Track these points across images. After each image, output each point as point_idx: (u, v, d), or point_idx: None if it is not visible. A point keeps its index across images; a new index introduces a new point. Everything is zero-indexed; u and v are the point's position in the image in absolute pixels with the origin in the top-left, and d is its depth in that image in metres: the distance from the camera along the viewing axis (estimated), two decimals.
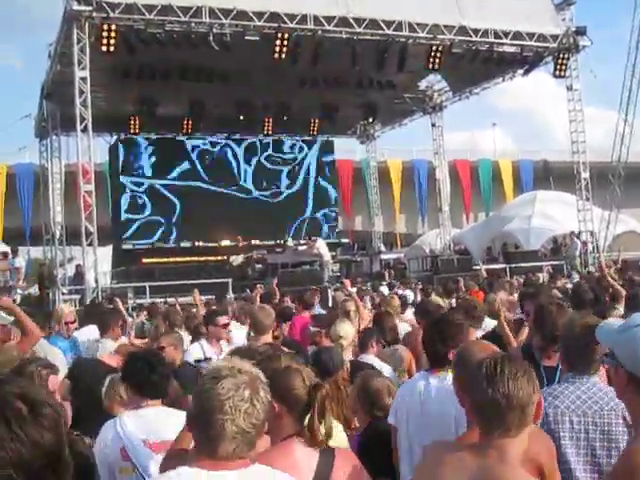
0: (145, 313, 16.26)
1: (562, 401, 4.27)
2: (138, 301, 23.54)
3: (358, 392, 5.63)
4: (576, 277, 23.52)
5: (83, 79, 24.40)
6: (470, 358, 3.80)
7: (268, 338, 8.05)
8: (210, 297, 20.51)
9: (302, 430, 3.74)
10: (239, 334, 9.92)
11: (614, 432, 4.22)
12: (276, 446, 3.73)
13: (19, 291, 28.41)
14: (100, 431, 5.12)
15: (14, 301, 26.60)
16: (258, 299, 17.62)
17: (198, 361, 8.16)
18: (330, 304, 16.71)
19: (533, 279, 20.64)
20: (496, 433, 3.08)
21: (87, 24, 24.07)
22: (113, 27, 24.10)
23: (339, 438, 4.54)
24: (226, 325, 9.18)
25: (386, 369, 7.53)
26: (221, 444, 2.82)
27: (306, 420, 3.75)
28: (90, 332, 11.47)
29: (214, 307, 13.75)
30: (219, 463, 2.83)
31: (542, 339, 5.66)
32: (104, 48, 24.34)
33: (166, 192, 35.67)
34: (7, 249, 29.67)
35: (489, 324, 9.04)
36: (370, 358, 7.82)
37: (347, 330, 7.85)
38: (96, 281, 24.95)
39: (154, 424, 5.04)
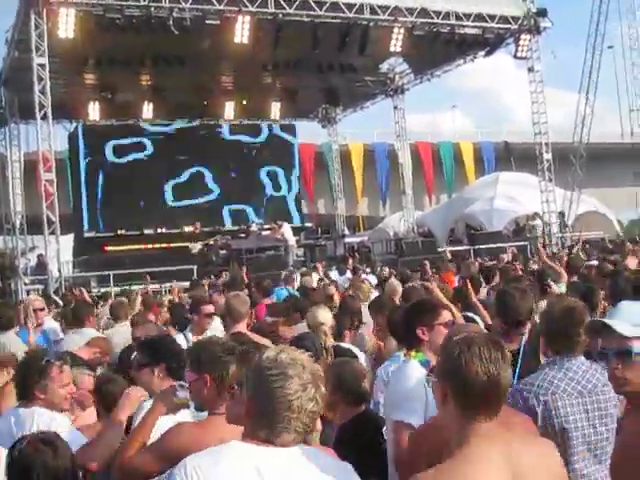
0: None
1: (558, 386, 4.25)
2: (102, 290, 23.31)
3: (334, 381, 5.49)
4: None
5: (41, 66, 24.07)
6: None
7: (243, 326, 7.93)
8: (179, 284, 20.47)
9: None
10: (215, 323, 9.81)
11: (610, 407, 4.32)
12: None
13: None
14: None
15: None
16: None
17: None
18: (296, 288, 16.50)
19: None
20: (481, 418, 3.00)
21: (45, 9, 23.71)
22: (72, 12, 23.77)
23: None
24: (211, 315, 8.87)
25: (361, 356, 7.47)
26: (283, 436, 2.93)
27: None
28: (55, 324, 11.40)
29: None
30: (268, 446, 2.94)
31: (505, 323, 5.69)
32: (62, 34, 24.05)
33: (126, 177, 35.22)
34: None
35: None
36: (347, 344, 7.76)
37: (326, 316, 7.76)
38: (59, 270, 24.68)
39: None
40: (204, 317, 8.66)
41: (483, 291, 11.49)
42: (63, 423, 4.97)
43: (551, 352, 4.62)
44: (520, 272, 13.97)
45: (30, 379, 5.18)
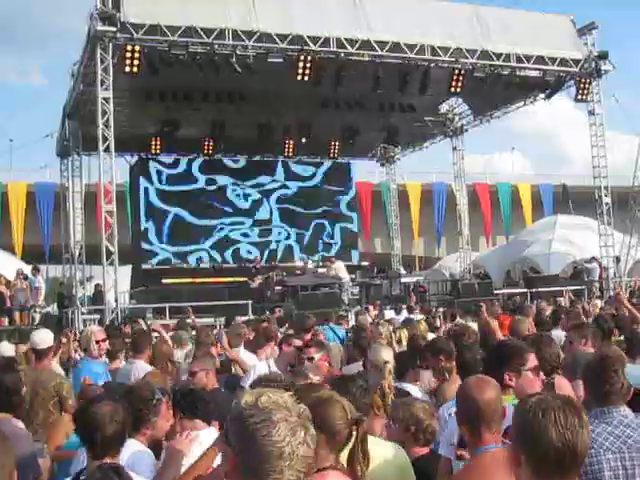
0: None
1: (595, 440, 4.16)
2: (159, 322, 23.45)
3: (406, 420, 5.51)
4: (598, 302, 23.30)
5: (106, 99, 24.47)
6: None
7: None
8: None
9: (337, 463, 3.66)
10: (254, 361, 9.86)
11: None
12: (312, 477, 3.64)
13: (38, 310, 28.38)
14: None
15: (33, 319, 26.88)
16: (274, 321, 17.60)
17: None
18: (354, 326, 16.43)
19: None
20: None
21: (111, 45, 24.17)
22: (137, 48, 24.19)
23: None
24: (301, 348, 8.85)
25: (421, 397, 7.44)
26: None
27: (343, 454, 3.68)
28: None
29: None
30: None
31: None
32: (127, 69, 24.43)
33: (185, 212, 35.60)
34: (28, 269, 29.72)
35: None
36: (408, 386, 7.71)
37: (390, 355, 7.74)
38: (116, 301, 24.90)
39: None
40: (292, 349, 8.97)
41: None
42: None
43: (591, 403, 4.56)
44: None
45: (143, 416, 5.26)
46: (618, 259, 31.94)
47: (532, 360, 5.25)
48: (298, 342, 8.90)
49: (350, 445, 3.67)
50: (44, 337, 8.70)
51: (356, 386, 5.19)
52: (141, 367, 9.08)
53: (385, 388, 6.78)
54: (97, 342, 9.49)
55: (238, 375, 9.63)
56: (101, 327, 12.28)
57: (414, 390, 7.65)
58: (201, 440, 5.11)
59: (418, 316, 19.41)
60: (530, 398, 3.15)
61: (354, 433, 3.68)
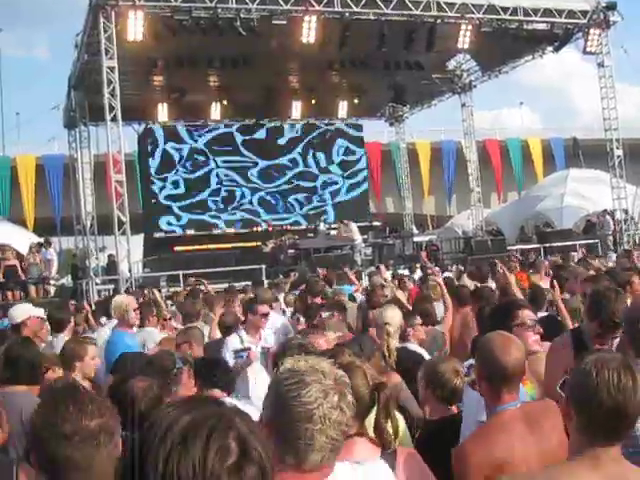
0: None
1: None
2: (172, 289, 23.48)
3: (426, 379, 5.44)
4: (612, 256, 23.21)
5: (111, 68, 24.30)
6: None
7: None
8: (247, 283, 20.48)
9: (363, 430, 3.59)
10: (278, 319, 9.78)
11: None
12: None
13: (52, 283, 28.42)
14: None
15: (47, 292, 26.89)
16: (288, 286, 17.53)
17: (237, 351, 7.95)
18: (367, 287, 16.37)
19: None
20: (599, 443, 2.96)
21: (113, 12, 23.96)
22: (140, 15, 24.01)
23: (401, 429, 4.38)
24: (266, 315, 8.86)
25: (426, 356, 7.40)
26: (309, 455, 2.58)
27: (369, 420, 3.60)
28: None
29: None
30: (304, 476, 2.61)
31: (599, 326, 5.42)
32: (131, 37, 24.30)
33: (196, 177, 35.63)
34: (40, 241, 29.71)
35: None
36: (412, 345, 7.65)
37: (392, 315, 7.65)
38: (129, 271, 24.93)
39: None
40: (258, 316, 8.60)
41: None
42: None
43: (634, 353, 4.45)
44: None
45: (165, 386, 5.19)
46: (626, 211, 31.74)
47: (524, 317, 5.20)
48: (263, 309, 8.73)
49: (374, 411, 3.59)
50: (17, 311, 8.67)
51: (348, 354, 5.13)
52: (149, 334, 9.09)
53: (384, 350, 6.74)
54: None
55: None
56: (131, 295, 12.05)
57: (421, 351, 7.61)
58: None
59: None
60: (590, 355, 3.12)
61: (376, 398, 3.61)
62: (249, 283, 20.41)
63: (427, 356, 7.35)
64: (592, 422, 2.95)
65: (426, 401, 5.42)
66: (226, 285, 23.01)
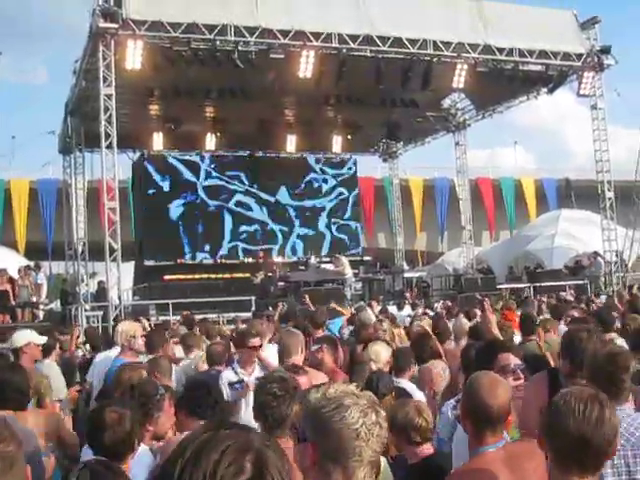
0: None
1: None
2: (161, 318, 23.50)
3: (389, 427, 5.47)
4: (603, 297, 23.31)
5: (108, 96, 24.42)
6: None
7: (298, 361, 7.91)
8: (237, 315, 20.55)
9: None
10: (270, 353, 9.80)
11: None
12: None
13: (41, 307, 28.38)
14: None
15: (35, 317, 26.86)
16: (277, 317, 17.55)
17: (232, 383, 8.04)
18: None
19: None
20: (573, 474, 3.01)
21: (113, 41, 24.13)
22: (139, 45, 24.18)
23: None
24: (257, 347, 8.82)
25: (418, 394, 7.45)
26: (356, 472, 2.78)
27: None
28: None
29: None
30: None
31: (570, 364, 5.53)
32: (129, 65, 24.45)
33: (189, 208, 35.64)
34: (30, 264, 29.71)
35: None
36: (404, 382, 7.71)
37: (377, 351, 7.72)
38: (119, 298, 24.93)
39: None
40: (250, 350, 8.55)
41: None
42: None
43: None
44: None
45: (147, 411, 5.25)
46: (620, 253, 31.90)
47: (504, 360, 5.27)
48: (254, 341, 8.72)
49: None
50: (19, 337, 8.74)
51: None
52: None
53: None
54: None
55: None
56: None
57: (411, 388, 7.67)
58: None
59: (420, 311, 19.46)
60: (563, 390, 3.19)
61: None
62: (240, 314, 20.50)
63: (417, 394, 7.42)
64: (561, 453, 3.02)
65: (400, 448, 5.48)
66: (215, 315, 23.23)
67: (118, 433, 4.53)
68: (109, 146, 24.62)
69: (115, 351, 9.80)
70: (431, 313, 18.60)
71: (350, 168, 39.96)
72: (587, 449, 2.99)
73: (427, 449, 5.48)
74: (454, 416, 5.59)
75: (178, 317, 21.25)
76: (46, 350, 9.35)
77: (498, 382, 4.17)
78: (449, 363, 9.01)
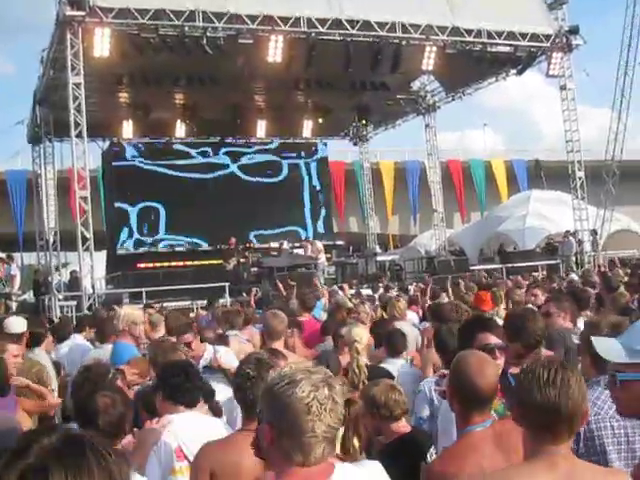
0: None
1: (601, 407, 4.16)
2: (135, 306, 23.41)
3: (366, 407, 5.50)
4: (574, 276, 23.45)
5: (77, 85, 24.31)
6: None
7: (280, 344, 7.95)
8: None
9: None
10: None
11: None
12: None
13: (14, 298, 28.22)
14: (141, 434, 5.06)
15: (8, 308, 26.71)
16: (253, 303, 17.55)
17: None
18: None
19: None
20: (547, 442, 3.04)
21: (80, 29, 23.97)
22: (106, 32, 24.03)
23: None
24: (189, 344, 8.77)
25: (396, 373, 7.53)
26: (313, 448, 2.77)
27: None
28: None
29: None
30: (311, 470, 2.79)
31: (523, 346, 5.56)
32: (97, 53, 24.33)
33: (161, 195, 35.41)
34: (2, 256, 29.53)
35: None
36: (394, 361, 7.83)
37: (361, 333, 7.77)
38: (93, 287, 24.84)
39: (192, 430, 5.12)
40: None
41: None
42: None
43: (596, 371, 4.54)
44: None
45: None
46: (595, 232, 32.17)
47: (483, 340, 5.30)
48: (188, 338, 8.75)
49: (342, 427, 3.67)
50: (17, 322, 8.72)
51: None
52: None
53: (354, 367, 6.84)
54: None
55: None
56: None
57: (397, 365, 7.74)
58: (174, 425, 5.10)
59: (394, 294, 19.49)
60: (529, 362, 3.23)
61: (346, 414, 3.69)
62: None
63: (395, 372, 7.49)
64: (532, 423, 3.05)
65: (377, 428, 5.50)
66: (188, 302, 23.19)
67: (112, 416, 4.60)
68: (79, 135, 24.55)
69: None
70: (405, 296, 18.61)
71: (320, 154, 39.83)
72: (556, 415, 3.02)
73: (403, 427, 5.51)
74: (438, 393, 5.61)
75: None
76: (36, 339, 9.26)
77: (486, 361, 4.19)
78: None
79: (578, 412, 3.09)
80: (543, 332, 5.68)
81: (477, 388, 3.99)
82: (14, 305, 27.47)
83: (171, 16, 24.31)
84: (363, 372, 6.82)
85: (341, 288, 20.52)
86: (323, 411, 2.76)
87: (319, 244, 29.75)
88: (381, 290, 22.20)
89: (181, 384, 5.39)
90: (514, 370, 5.21)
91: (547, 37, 29.29)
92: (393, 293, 19.86)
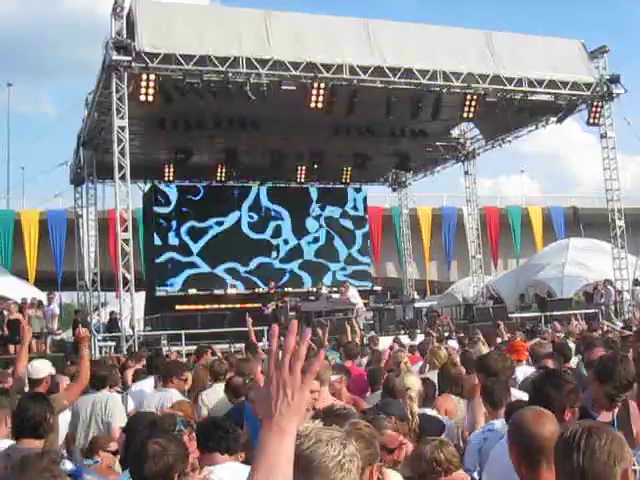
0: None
1: None
2: (173, 349, 23.50)
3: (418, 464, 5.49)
4: (618, 324, 23.27)
5: (122, 128, 24.66)
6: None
7: (326, 390, 7.95)
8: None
9: None
10: None
11: None
12: None
13: (54, 338, 28.43)
14: None
15: (46, 347, 26.88)
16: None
17: None
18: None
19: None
20: None
21: (126, 74, 24.35)
22: (152, 77, 24.37)
23: None
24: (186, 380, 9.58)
25: (448, 423, 7.52)
26: None
27: None
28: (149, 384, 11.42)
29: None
30: None
31: (614, 387, 5.58)
32: (142, 98, 24.61)
33: (199, 238, 35.66)
34: (42, 295, 29.86)
35: None
36: (433, 411, 7.78)
37: (413, 381, 7.79)
38: (132, 328, 24.98)
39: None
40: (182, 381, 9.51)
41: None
42: None
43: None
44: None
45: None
46: (637, 282, 31.96)
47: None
48: (187, 375, 9.27)
49: None
50: (38, 367, 8.82)
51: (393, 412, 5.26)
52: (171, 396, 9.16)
53: (408, 415, 6.85)
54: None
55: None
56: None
57: (440, 417, 7.74)
58: (216, 475, 5.14)
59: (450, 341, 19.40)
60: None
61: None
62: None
63: (446, 421, 7.50)
64: None
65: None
66: (226, 345, 23.23)
67: (158, 465, 4.52)
68: (122, 177, 24.80)
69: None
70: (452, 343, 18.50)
71: (358, 204, 39.93)
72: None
73: (459, 476, 5.51)
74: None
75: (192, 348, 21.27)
76: (102, 381, 9.34)
77: (544, 414, 4.21)
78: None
79: (608, 476, 3.07)
80: (633, 375, 5.71)
81: (541, 439, 3.99)
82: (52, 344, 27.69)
83: (215, 62, 24.62)
84: (416, 420, 6.84)
85: (396, 340, 20.20)
86: (352, 466, 2.82)
87: (353, 289, 29.72)
88: (420, 337, 22.08)
89: (212, 432, 5.42)
90: (604, 414, 5.25)
91: (588, 86, 29.31)
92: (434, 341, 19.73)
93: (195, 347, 19.44)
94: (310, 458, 2.81)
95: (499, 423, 6.08)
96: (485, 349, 12.87)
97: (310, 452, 2.82)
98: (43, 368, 8.90)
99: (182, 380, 9.56)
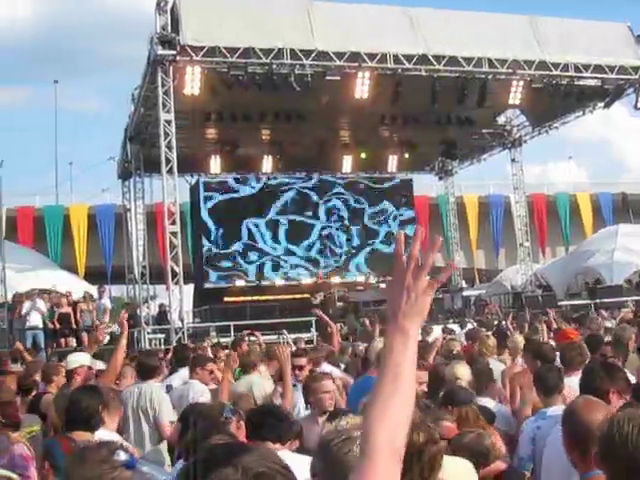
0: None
1: None
2: (222, 340, 23.60)
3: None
4: None
5: (168, 122, 24.82)
6: None
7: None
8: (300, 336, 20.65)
9: None
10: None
11: None
12: None
13: (107, 330, 28.70)
14: None
15: (99, 341, 27.13)
16: (338, 338, 17.58)
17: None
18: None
19: None
20: None
21: (171, 68, 24.48)
22: (197, 70, 24.51)
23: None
24: (212, 372, 9.56)
25: (501, 410, 7.50)
26: None
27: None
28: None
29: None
30: None
31: None
32: (188, 91, 24.78)
33: (246, 229, 35.76)
34: (92, 289, 30.18)
35: None
36: (487, 401, 7.75)
37: (463, 371, 7.77)
38: (181, 320, 25.14)
39: None
40: (206, 371, 9.59)
41: None
42: None
43: None
44: None
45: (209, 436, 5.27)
46: None
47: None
48: (211, 366, 9.32)
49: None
50: (71, 359, 8.96)
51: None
52: (198, 388, 9.23)
53: None
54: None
55: None
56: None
57: (491, 405, 7.70)
58: None
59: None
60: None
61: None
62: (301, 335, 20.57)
63: (498, 409, 7.48)
64: (614, 476, 3.00)
65: None
66: (275, 337, 23.28)
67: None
68: (169, 171, 24.99)
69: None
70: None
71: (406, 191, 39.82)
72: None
73: (498, 466, 5.48)
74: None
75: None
76: (150, 371, 9.36)
77: (595, 402, 4.20)
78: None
79: None
80: None
81: (590, 426, 3.97)
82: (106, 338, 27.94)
83: (260, 54, 24.67)
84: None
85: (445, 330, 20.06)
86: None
87: None
88: (469, 326, 22.01)
89: (264, 418, 5.40)
90: None
91: (635, 69, 28.91)
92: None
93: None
94: (336, 455, 2.85)
95: (553, 410, 6.02)
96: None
97: (336, 450, 2.84)
98: (75, 360, 9.06)
99: (206, 371, 9.57)
